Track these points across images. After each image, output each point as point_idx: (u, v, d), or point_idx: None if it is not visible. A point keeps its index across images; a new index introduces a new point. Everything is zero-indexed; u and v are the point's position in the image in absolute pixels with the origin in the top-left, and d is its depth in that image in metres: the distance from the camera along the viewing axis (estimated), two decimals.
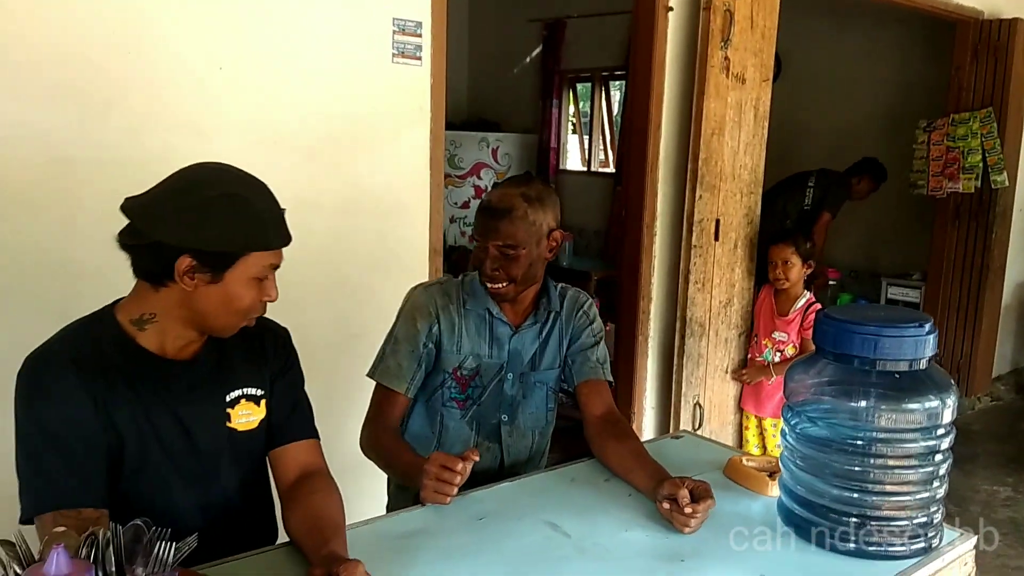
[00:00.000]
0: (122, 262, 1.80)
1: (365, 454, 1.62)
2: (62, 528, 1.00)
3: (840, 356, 1.33)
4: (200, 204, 1.14)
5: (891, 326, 1.30)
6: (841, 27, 5.42)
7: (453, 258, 5.84)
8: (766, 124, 3.19)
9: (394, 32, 2.29)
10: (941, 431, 1.31)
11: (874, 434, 1.29)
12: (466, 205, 6.84)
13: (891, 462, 1.30)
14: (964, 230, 4.48)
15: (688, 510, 1.33)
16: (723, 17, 2.94)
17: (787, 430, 1.43)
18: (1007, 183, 4.32)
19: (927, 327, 1.30)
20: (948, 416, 1.30)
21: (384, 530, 1.37)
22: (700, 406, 3.14)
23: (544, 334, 1.72)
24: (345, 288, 2.34)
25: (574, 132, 7.64)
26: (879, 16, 4.94)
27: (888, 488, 1.31)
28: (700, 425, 3.13)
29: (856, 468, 1.31)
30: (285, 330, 1.41)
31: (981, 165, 4.31)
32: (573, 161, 7.63)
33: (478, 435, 1.72)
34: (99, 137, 1.84)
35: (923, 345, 1.29)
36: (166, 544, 0.96)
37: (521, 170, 7.25)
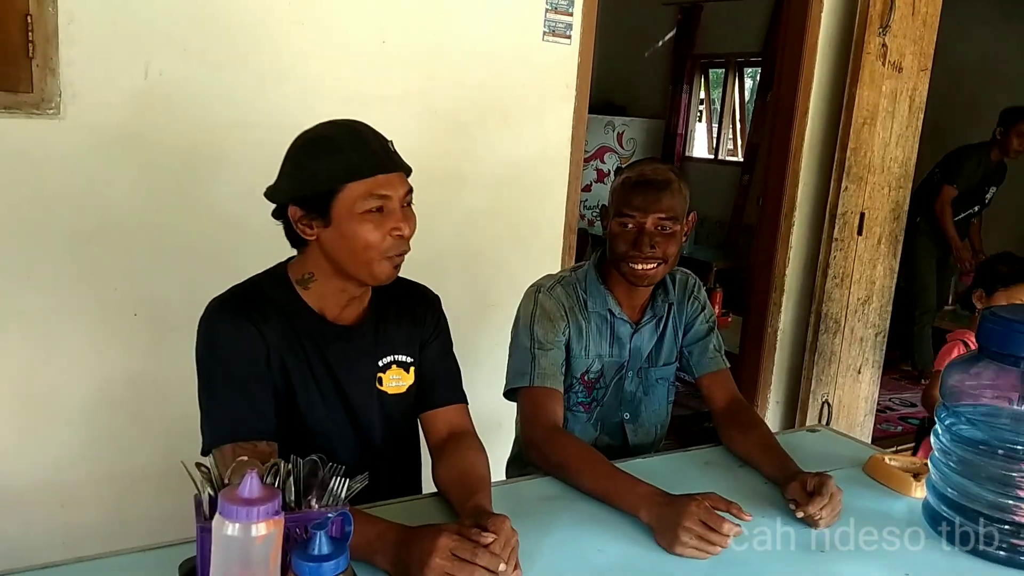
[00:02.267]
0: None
1: (534, 460, 1.50)
2: (246, 457, 1.05)
3: (1004, 357, 1.28)
4: (291, 156, 1.23)
5: None
6: (1004, 13, 5.05)
7: None
8: (921, 116, 3.03)
9: (546, 10, 2.33)
10: None
11: None
12: (587, 188, 6.82)
13: None
14: None
15: (813, 511, 1.29)
16: (883, 2, 2.81)
17: (941, 431, 1.38)
18: None
19: None
20: None
21: (518, 493, 1.41)
22: (829, 405, 3.05)
23: (661, 327, 1.69)
24: (484, 259, 2.41)
25: (701, 119, 7.49)
26: None
27: None
28: (828, 424, 3.04)
29: (1014, 474, 1.26)
30: (437, 297, 1.46)
31: None
32: (700, 148, 7.49)
33: (602, 434, 1.71)
34: (274, 103, 1.97)
35: None
36: (340, 480, 1.02)
37: (646, 155, 7.17)
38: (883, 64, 2.86)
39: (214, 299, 1.26)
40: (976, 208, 4.20)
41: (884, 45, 2.85)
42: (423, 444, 1.47)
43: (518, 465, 1.76)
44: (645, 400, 1.72)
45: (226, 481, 0.98)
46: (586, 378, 1.66)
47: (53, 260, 1.82)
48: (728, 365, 1.74)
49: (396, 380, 1.36)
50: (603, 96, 7.32)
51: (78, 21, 1.73)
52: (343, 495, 1.03)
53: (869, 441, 3.27)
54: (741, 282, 5.40)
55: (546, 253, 2.51)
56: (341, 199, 1.18)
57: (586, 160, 6.85)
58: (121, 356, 1.92)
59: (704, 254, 6.06)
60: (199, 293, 1.95)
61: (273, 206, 1.25)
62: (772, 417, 3.17)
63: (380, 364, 1.34)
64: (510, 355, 1.63)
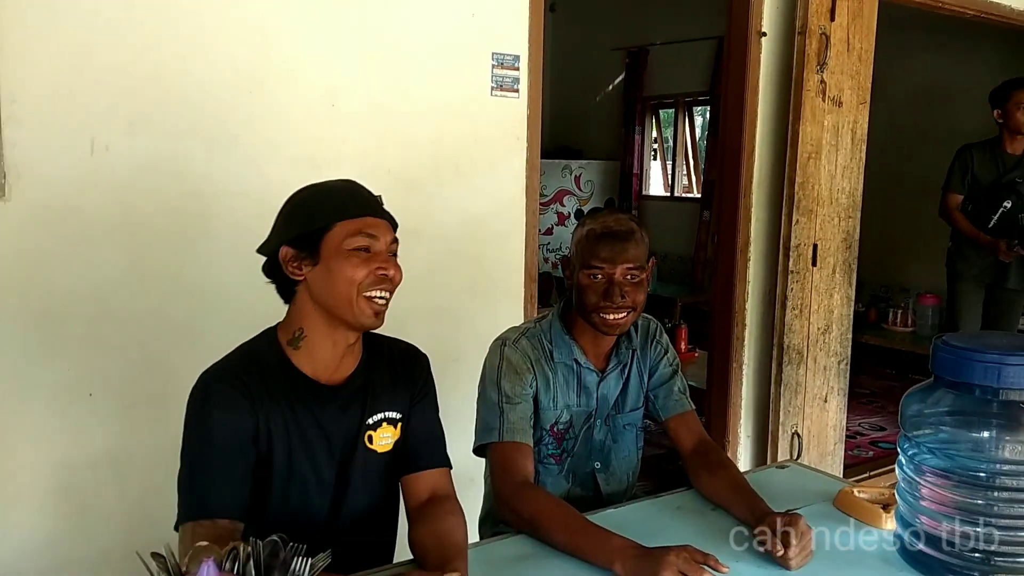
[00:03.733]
0: (246, 282, 1.93)
1: (505, 517, 1.49)
2: (204, 542, 1.04)
3: (960, 385, 1.30)
4: (288, 206, 1.30)
5: (1015, 354, 1.26)
6: (938, 44, 5.26)
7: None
8: (864, 147, 3.12)
9: (493, 67, 2.37)
10: None
11: (998, 466, 1.25)
12: (549, 232, 6.90)
13: (1017, 495, 1.25)
14: None
15: (783, 553, 1.29)
16: (819, 41, 2.91)
17: (904, 461, 1.40)
18: None
19: None
20: None
21: (492, 554, 1.39)
22: (799, 436, 3.07)
23: (625, 373, 1.70)
24: (445, 313, 2.41)
25: (655, 158, 7.64)
26: (977, 33, 4.77)
27: (1015, 522, 1.26)
28: (799, 455, 3.05)
29: (980, 501, 1.27)
30: (426, 357, 1.48)
31: None
32: (656, 187, 7.62)
33: (574, 485, 1.70)
34: (225, 169, 1.96)
35: None
36: (302, 560, 0.99)
37: (604, 196, 7.29)
38: (823, 100, 2.95)
39: (207, 370, 1.28)
40: (1009, 204, 3.73)
41: (823, 81, 2.94)
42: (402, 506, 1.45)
43: (490, 523, 1.74)
44: (615, 448, 1.72)
45: (183, 570, 0.96)
46: (555, 429, 1.65)
47: (4, 340, 1.77)
48: (693, 407, 1.75)
49: (385, 438, 1.37)
50: (558, 140, 7.46)
51: (20, 101, 1.72)
52: (306, 575, 0.99)
53: (841, 469, 3.30)
54: (706, 316, 5.47)
55: (507, 303, 2.52)
56: (331, 236, 1.24)
57: (545, 204, 6.94)
58: (78, 438, 1.86)
59: (668, 290, 6.12)
60: (155, 367, 1.94)
61: (260, 269, 1.30)
62: (744, 451, 3.18)
63: (370, 422, 1.35)
64: (478, 411, 1.63)
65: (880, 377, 5.40)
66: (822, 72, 2.94)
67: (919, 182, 5.43)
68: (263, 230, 1.65)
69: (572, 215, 7.14)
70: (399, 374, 1.41)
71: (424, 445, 1.42)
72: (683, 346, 4.37)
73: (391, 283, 1.29)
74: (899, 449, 1.42)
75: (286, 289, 1.30)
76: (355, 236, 1.25)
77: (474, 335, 2.27)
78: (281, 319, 1.34)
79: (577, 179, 7.18)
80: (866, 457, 3.93)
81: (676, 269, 6.92)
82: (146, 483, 1.91)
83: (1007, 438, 1.25)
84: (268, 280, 1.31)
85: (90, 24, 1.79)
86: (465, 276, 2.43)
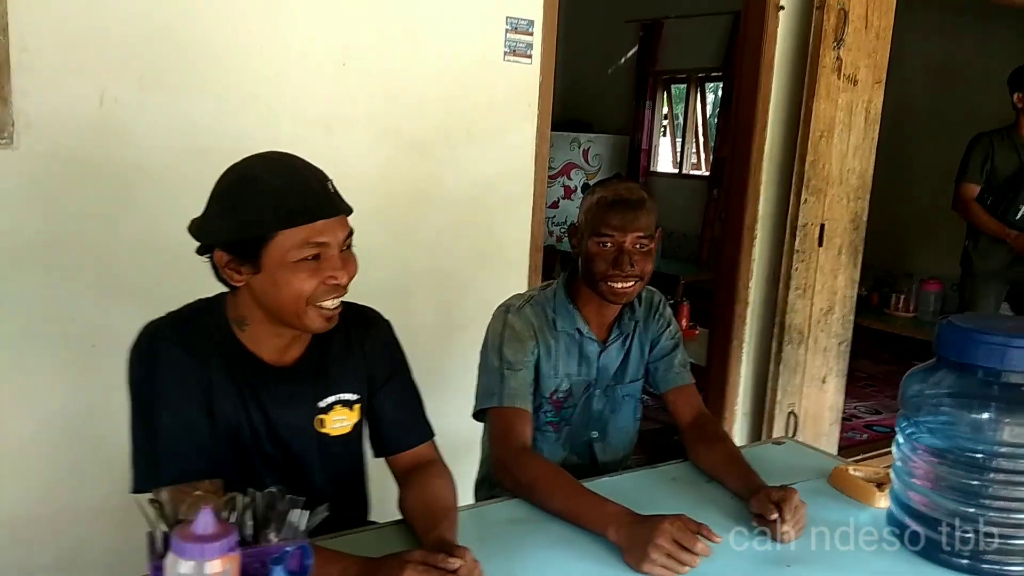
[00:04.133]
0: None
1: (502, 481, 1.49)
2: (201, 492, 1.00)
3: (963, 366, 1.30)
4: (220, 195, 1.13)
5: (1019, 336, 1.26)
6: (954, 24, 5.19)
7: None
8: (877, 127, 3.09)
9: (507, 31, 2.34)
10: None
11: (996, 448, 1.26)
12: (555, 205, 6.87)
13: (1013, 478, 1.26)
14: None
15: (777, 526, 1.30)
16: (837, 16, 2.87)
17: (901, 440, 1.40)
18: None
19: None
20: None
21: (486, 516, 1.40)
22: (795, 415, 3.08)
23: (627, 344, 1.70)
24: (451, 279, 2.41)
25: (665, 134, 7.58)
26: (993, 13, 4.71)
27: (1009, 504, 1.27)
28: (794, 434, 3.07)
29: (975, 482, 1.27)
30: (387, 324, 1.37)
31: None
32: (664, 163, 7.57)
33: (571, 453, 1.71)
34: (235, 128, 1.95)
35: None
36: (299, 512, 0.98)
37: (612, 171, 7.23)
38: (838, 78, 2.92)
39: (150, 323, 1.18)
40: None
41: (839, 59, 2.90)
42: (374, 481, 1.43)
43: (486, 487, 1.75)
44: (612, 418, 1.73)
45: (181, 517, 0.96)
46: (555, 397, 1.66)
47: (8, 291, 1.78)
48: (693, 380, 1.75)
49: (340, 421, 1.29)
50: (568, 113, 7.39)
51: (31, 50, 1.71)
52: (302, 527, 0.99)
53: (836, 450, 3.32)
54: (709, 295, 5.46)
55: (512, 272, 2.52)
56: (273, 246, 1.09)
57: (553, 177, 6.89)
58: (79, 389, 1.87)
59: (672, 268, 6.10)
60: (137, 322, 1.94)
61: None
62: (740, 428, 3.20)
63: (321, 406, 1.27)
64: (479, 375, 1.63)
65: (879, 362, 5.40)
66: (839, 49, 2.90)
67: (929, 166, 5.41)
68: None
69: (579, 189, 7.11)
70: (356, 351, 1.31)
71: (399, 425, 1.36)
72: (684, 323, 4.37)
73: (343, 289, 1.17)
74: (897, 428, 1.43)
75: (222, 281, 1.18)
76: (303, 247, 1.10)
77: (479, 302, 2.26)
78: None
79: (585, 152, 7.12)
80: (860, 440, 3.94)
81: (681, 247, 6.90)
82: (84, 447, 1.89)
83: (1007, 420, 1.25)
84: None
85: None
86: (473, 242, 2.42)
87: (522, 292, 1.71)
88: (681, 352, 1.76)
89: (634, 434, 1.80)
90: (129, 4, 1.81)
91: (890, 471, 1.47)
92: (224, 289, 1.21)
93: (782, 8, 2.93)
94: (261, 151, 1.18)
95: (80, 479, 1.92)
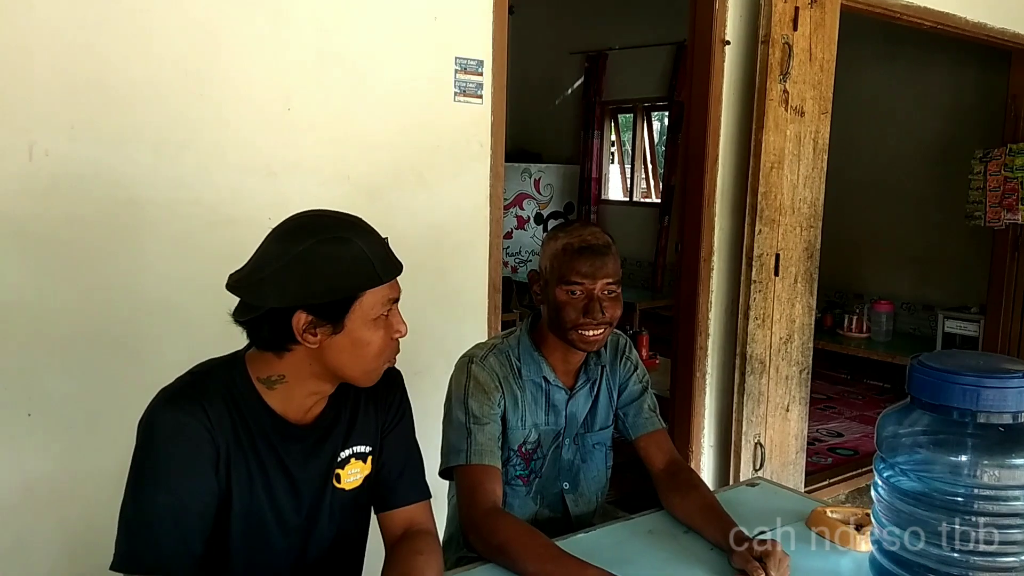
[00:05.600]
0: (197, 298, 1.83)
1: (473, 544, 1.41)
2: None
3: (937, 407, 1.28)
4: (301, 257, 1.10)
5: (993, 376, 1.24)
6: (892, 54, 5.36)
7: None
8: (825, 157, 3.13)
9: (456, 71, 2.30)
10: None
11: (976, 491, 1.23)
12: (508, 235, 6.86)
13: (997, 520, 1.23)
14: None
15: None
16: (782, 50, 2.91)
17: (879, 482, 1.37)
18: None
19: None
20: None
21: None
22: (761, 446, 3.07)
23: (595, 391, 1.66)
24: (409, 325, 2.33)
25: (615, 162, 7.65)
26: (930, 43, 4.87)
27: (991, 548, 1.24)
28: (761, 465, 3.05)
29: (956, 526, 1.25)
30: (398, 373, 1.37)
31: None
32: (615, 191, 7.63)
33: (542, 507, 1.65)
34: (172, 177, 1.86)
35: None
36: None
37: (563, 200, 7.27)
38: (786, 110, 2.95)
39: (162, 390, 1.16)
40: None
41: (785, 91, 2.94)
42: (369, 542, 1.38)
43: (454, 547, 1.67)
44: (583, 467, 1.67)
45: None
46: (523, 449, 1.60)
47: None
48: (664, 425, 1.71)
49: (354, 474, 1.28)
50: (517, 143, 7.42)
51: None
52: None
53: (803, 477, 3.31)
54: (666, 321, 5.47)
55: (471, 314, 2.46)
56: (359, 306, 1.13)
57: (505, 207, 6.85)
58: (14, 461, 1.74)
59: (626, 295, 6.03)
60: (97, 385, 1.83)
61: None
62: (707, 461, 3.17)
63: (339, 459, 1.26)
64: (444, 431, 1.56)
65: (835, 382, 5.47)
66: (785, 82, 2.93)
67: (871, 190, 5.55)
68: (213, 241, 1.56)
69: (531, 219, 7.12)
70: (371, 402, 1.31)
71: (398, 479, 1.33)
72: (644, 353, 4.35)
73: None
74: (875, 470, 1.39)
75: (275, 344, 1.15)
76: (382, 304, 1.15)
77: (438, 347, 2.20)
78: (235, 336, 1.21)
79: (536, 182, 7.15)
80: (825, 464, 3.95)
81: (635, 274, 6.93)
82: (88, 510, 1.79)
83: (985, 462, 1.23)
84: (241, 325, 1.15)
85: (27, 23, 1.67)
86: (428, 287, 2.36)
87: (485, 341, 1.66)
88: (650, 396, 1.72)
89: (606, 482, 1.74)
90: (57, 53, 1.71)
91: (869, 513, 1.43)
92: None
93: (727, 43, 2.96)
94: (310, 210, 1.19)
95: (16, 562, 1.77)
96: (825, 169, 3.14)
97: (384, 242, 1.19)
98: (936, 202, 5.28)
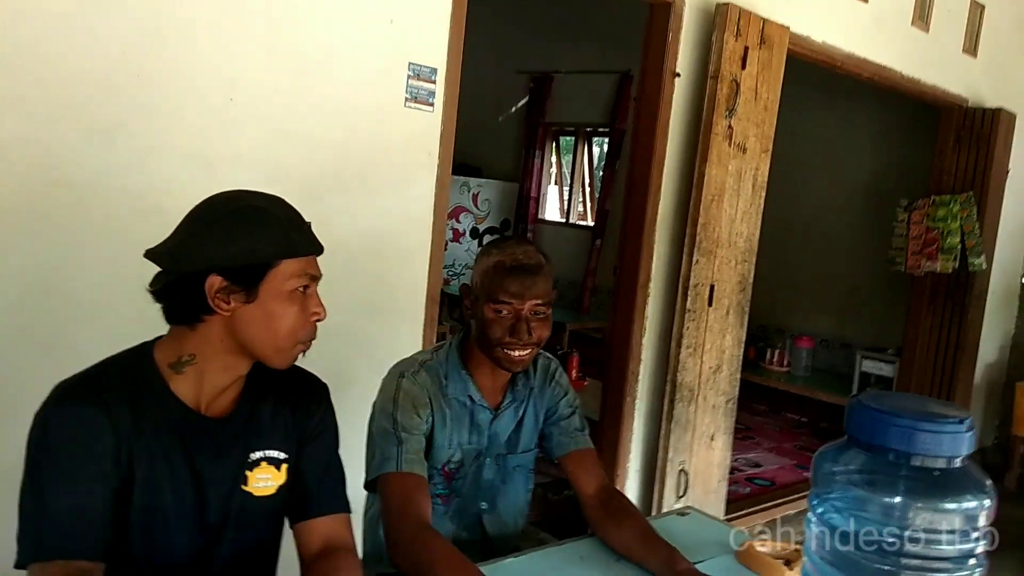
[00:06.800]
0: (120, 289, 1.71)
1: (398, 559, 1.36)
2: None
3: (873, 447, 1.29)
4: (219, 220, 1.11)
5: (929, 420, 1.26)
6: (828, 103, 5.56)
7: None
8: (763, 194, 3.20)
9: (409, 77, 2.25)
10: (977, 534, 1.27)
11: (908, 532, 1.25)
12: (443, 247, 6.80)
13: (928, 564, 1.24)
14: (940, 309, 4.55)
15: None
16: (729, 87, 2.96)
17: (813, 519, 1.37)
18: (984, 266, 4.41)
19: (967, 423, 1.27)
20: (984, 519, 1.26)
21: None
22: (686, 473, 3.09)
23: (521, 412, 1.63)
24: (340, 332, 2.24)
25: (554, 183, 7.70)
26: (863, 95, 5.08)
27: None
28: (685, 493, 3.07)
29: (887, 567, 1.26)
30: (324, 386, 1.35)
31: (959, 247, 4.40)
32: (552, 211, 7.67)
33: (460, 528, 1.61)
34: (103, 161, 1.75)
35: (962, 442, 1.25)
36: None
37: (500, 216, 7.26)
38: (729, 145, 3.00)
39: (59, 384, 1.12)
40: None
41: (730, 127, 2.99)
42: (283, 557, 1.31)
43: (372, 563, 1.60)
44: (503, 488, 1.64)
45: None
46: (446, 468, 1.56)
47: None
48: (592, 445, 1.68)
49: (264, 480, 1.23)
50: (458, 157, 7.29)
51: None
52: None
53: (724, 506, 3.34)
54: (594, 343, 5.51)
55: (405, 324, 2.39)
56: (275, 274, 1.12)
57: None
58: None
59: (557, 315, 6.10)
60: (11, 372, 1.70)
61: (151, 276, 1.12)
62: (632, 485, 3.17)
63: (249, 460, 1.21)
64: (369, 443, 1.51)
65: (756, 413, 5.59)
66: (730, 118, 2.99)
67: (800, 229, 5.73)
68: (143, 231, 1.46)
69: (467, 233, 7.08)
70: (289, 408, 1.27)
71: (317, 487, 1.28)
72: (574, 374, 4.36)
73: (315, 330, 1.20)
74: (809, 505, 1.40)
75: (187, 314, 1.13)
76: (299, 276, 1.14)
77: (371, 356, 2.14)
78: (156, 329, 1.17)
79: (475, 197, 7.13)
80: (744, 493, 4.01)
81: (566, 294, 6.96)
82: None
83: (919, 505, 1.24)
84: (156, 296, 1.13)
85: None
86: (364, 294, 2.29)
87: (415, 355, 1.61)
88: (579, 418, 1.69)
89: (524, 505, 1.71)
90: None
91: (800, 548, 1.44)
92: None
93: (678, 75, 3.00)
94: (230, 189, 1.18)
95: None
96: (762, 206, 3.21)
97: (306, 222, 1.19)
98: (861, 246, 5.48)
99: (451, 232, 6.95)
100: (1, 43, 1.62)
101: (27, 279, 1.70)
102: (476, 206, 7.14)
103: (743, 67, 2.98)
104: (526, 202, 7.28)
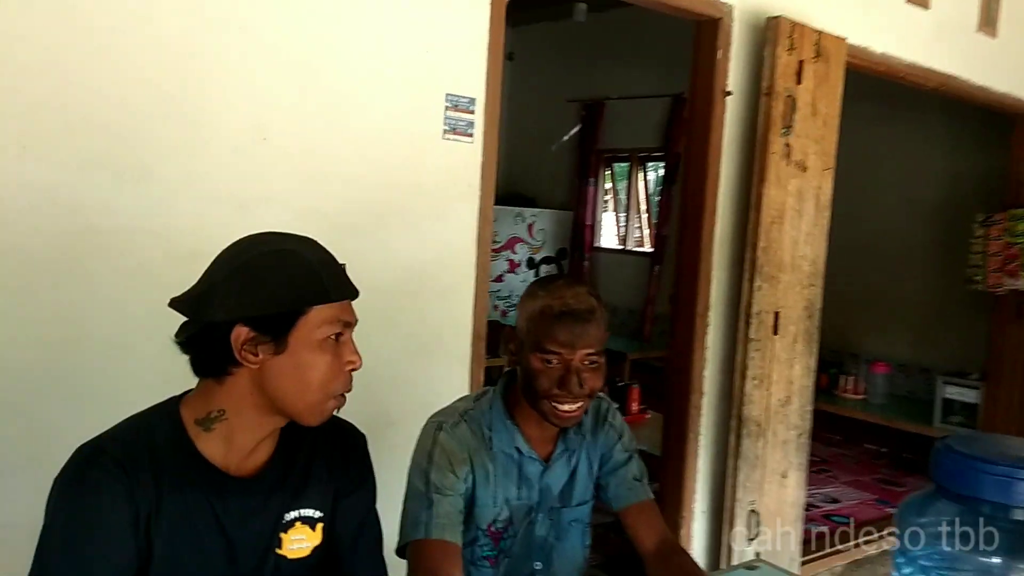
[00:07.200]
0: (153, 336, 1.67)
1: None
2: None
3: (965, 498, 1.13)
4: (245, 267, 1.03)
5: None
6: (892, 115, 5.32)
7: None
8: (828, 214, 3.03)
9: (446, 108, 2.19)
10: None
11: None
12: (499, 279, 6.76)
13: None
14: None
15: None
16: (785, 103, 2.81)
17: None
18: None
19: None
20: None
21: None
22: (756, 513, 2.90)
23: (573, 462, 1.50)
24: (383, 373, 2.18)
25: (609, 210, 7.60)
26: (929, 105, 4.83)
27: None
28: (756, 535, 2.88)
29: None
30: (362, 435, 1.25)
31: None
32: (608, 239, 7.56)
33: None
34: (133, 206, 1.73)
35: None
36: None
37: (556, 246, 7.18)
38: (788, 164, 2.85)
39: (82, 447, 1.05)
40: None
41: (788, 145, 2.84)
42: None
43: None
44: (558, 546, 1.50)
45: None
46: (492, 528, 1.43)
47: None
48: (652, 496, 1.54)
49: (299, 542, 1.14)
50: (512, 187, 7.38)
51: None
52: None
53: (799, 547, 3.13)
54: (657, 372, 5.32)
55: (452, 363, 2.30)
56: (305, 322, 1.03)
57: (497, 251, 6.81)
58: None
59: (617, 344, 5.97)
60: (39, 429, 1.67)
61: (176, 326, 1.04)
62: (699, 528, 2.99)
63: (283, 521, 1.12)
64: (404, 503, 1.40)
65: (830, 444, 5.30)
66: (787, 135, 2.84)
67: (869, 249, 5.46)
68: (174, 275, 1.42)
69: (523, 263, 7.02)
70: (324, 460, 1.17)
71: (350, 549, 1.19)
72: (635, 407, 4.18)
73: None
74: (894, 564, 1.24)
75: (214, 367, 1.05)
76: (331, 324, 1.05)
77: (415, 399, 2.05)
78: (189, 378, 1.10)
79: (530, 227, 7.07)
80: (821, 532, 3.77)
81: (626, 323, 6.82)
82: (23, 563, 1.61)
83: (1021, 566, 1.08)
84: (182, 347, 1.06)
85: None
86: (406, 333, 2.21)
87: (456, 403, 1.50)
88: (636, 464, 1.55)
89: (583, 562, 1.57)
90: (12, 68, 1.59)
91: None
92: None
93: (730, 93, 2.87)
94: (261, 231, 1.11)
95: None
96: (827, 227, 3.04)
97: (339, 264, 1.10)
98: (936, 264, 5.19)
99: (507, 263, 6.91)
100: (29, 92, 1.61)
101: (59, 326, 1.68)
102: (531, 236, 7.09)
103: (798, 82, 2.83)
104: (581, 230, 7.20)
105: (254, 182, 1.90)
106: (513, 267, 6.97)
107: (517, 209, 6.97)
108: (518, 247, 7.02)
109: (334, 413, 1.10)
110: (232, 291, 1.02)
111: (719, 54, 2.82)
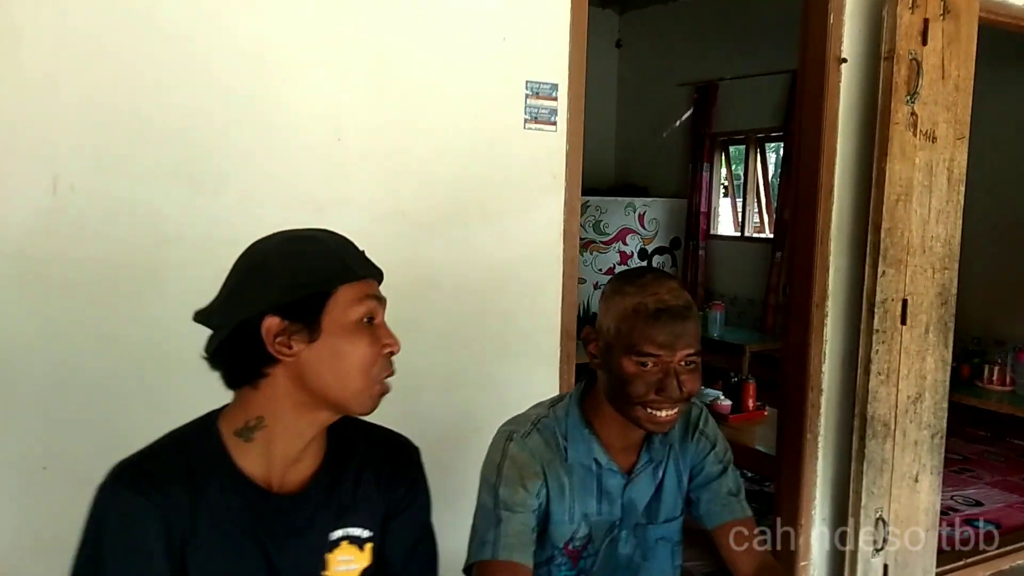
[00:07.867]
0: None
1: None
2: None
3: None
4: (264, 262, 1.02)
5: None
6: None
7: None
8: (962, 189, 2.72)
9: (527, 96, 2.09)
10: None
11: None
12: (610, 271, 6.62)
13: None
14: None
15: None
16: (908, 67, 2.53)
17: None
18: None
19: None
20: None
21: None
22: (884, 521, 2.64)
23: (660, 474, 1.37)
24: (466, 375, 2.12)
25: (726, 195, 7.29)
26: None
27: None
28: (883, 545, 2.62)
29: None
30: (416, 450, 1.18)
31: None
32: (725, 226, 7.26)
33: None
34: (211, 213, 1.73)
35: None
36: None
37: (669, 235, 6.96)
38: (914, 135, 2.57)
39: (119, 464, 1.02)
40: None
41: (913, 114, 2.56)
42: None
43: None
44: (645, 566, 1.37)
45: None
46: (570, 547, 1.33)
47: None
48: (750, 513, 1.39)
49: (346, 563, 1.08)
50: (622, 177, 7.22)
51: None
52: None
53: (935, 561, 2.84)
54: (779, 364, 5.02)
55: (540, 364, 2.21)
56: (335, 303, 1.00)
57: (607, 243, 6.68)
58: (27, 519, 1.63)
59: (736, 336, 5.70)
60: (120, 439, 1.68)
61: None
62: (818, 537, 2.76)
63: (329, 540, 1.07)
64: (473, 517, 1.32)
65: (973, 440, 4.85)
66: (913, 103, 2.56)
67: (1014, 227, 4.95)
68: None
69: (635, 254, 6.84)
70: (373, 476, 1.11)
71: (405, 567, 1.12)
72: (751, 404, 3.95)
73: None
74: None
75: (249, 371, 1.01)
76: (361, 302, 1.01)
77: (501, 401, 1.96)
78: None
79: (641, 217, 6.88)
80: (962, 539, 3.42)
81: (745, 313, 6.53)
82: None
83: None
84: (212, 361, 1.03)
85: (57, 49, 1.58)
86: (491, 333, 2.14)
87: (529, 410, 1.40)
88: (732, 477, 1.40)
89: None
90: (89, 79, 1.61)
91: None
92: (214, 406, 1.06)
93: (844, 60, 2.62)
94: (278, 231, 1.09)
95: None
96: (962, 203, 2.72)
97: (359, 249, 1.07)
98: None
99: (618, 255, 6.76)
100: (107, 104, 1.63)
101: (141, 340, 1.70)
102: (643, 226, 6.90)
103: (924, 43, 2.54)
104: (696, 218, 6.96)
105: (330, 184, 1.87)
106: (624, 259, 6.81)
107: (627, 199, 6.81)
108: (629, 238, 6.85)
109: (380, 399, 1.05)
110: (257, 285, 1.00)
111: (831, 18, 2.58)
